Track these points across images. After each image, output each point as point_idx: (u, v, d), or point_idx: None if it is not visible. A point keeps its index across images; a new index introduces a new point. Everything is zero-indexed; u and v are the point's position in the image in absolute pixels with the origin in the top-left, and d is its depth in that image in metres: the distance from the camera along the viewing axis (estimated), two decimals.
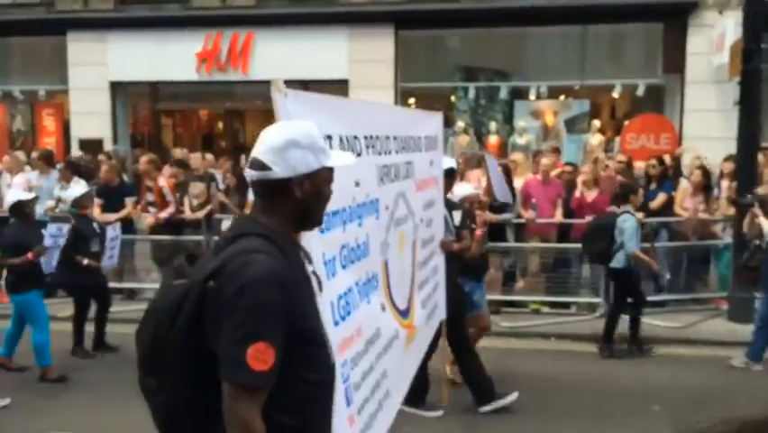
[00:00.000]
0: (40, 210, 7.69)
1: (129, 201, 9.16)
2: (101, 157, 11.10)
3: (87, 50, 14.38)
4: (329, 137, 2.75)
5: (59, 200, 8.99)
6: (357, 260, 3.04)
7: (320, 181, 2.07)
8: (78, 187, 7.60)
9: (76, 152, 13.35)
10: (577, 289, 8.72)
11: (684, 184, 8.89)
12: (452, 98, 14.24)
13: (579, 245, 8.45)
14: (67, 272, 6.83)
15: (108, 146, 13.74)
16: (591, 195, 8.51)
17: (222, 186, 9.64)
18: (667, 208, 8.67)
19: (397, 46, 13.65)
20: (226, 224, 9.10)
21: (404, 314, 3.85)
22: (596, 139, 12.87)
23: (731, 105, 8.58)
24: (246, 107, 17.92)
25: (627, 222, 6.85)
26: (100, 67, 14.36)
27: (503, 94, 13.94)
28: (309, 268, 2.15)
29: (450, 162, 5.58)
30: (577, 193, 8.59)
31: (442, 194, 5.06)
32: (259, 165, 2.01)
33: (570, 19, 13.02)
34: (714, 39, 11.96)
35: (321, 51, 13.37)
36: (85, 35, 14.36)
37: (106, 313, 7.28)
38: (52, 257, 6.49)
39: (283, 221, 2.05)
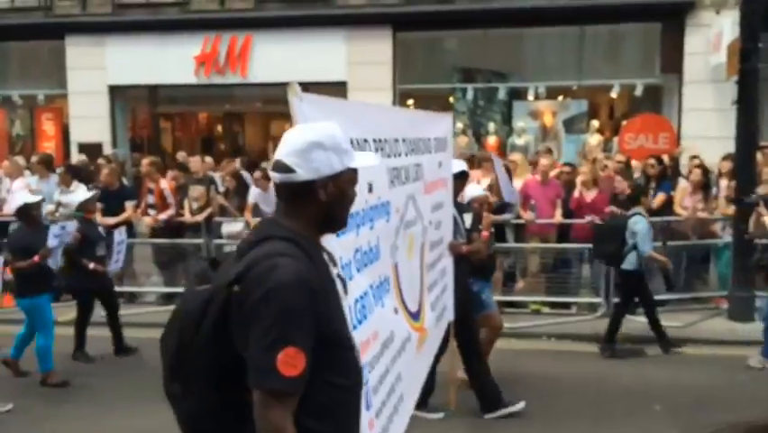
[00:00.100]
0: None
1: (129, 205, 9.16)
2: (100, 161, 11.10)
3: (86, 55, 14.40)
4: None
5: (59, 204, 9.00)
6: (370, 263, 3.03)
7: (344, 183, 2.04)
8: (83, 191, 7.61)
9: (78, 156, 13.32)
10: (577, 289, 8.72)
11: (683, 184, 8.91)
12: (451, 99, 14.25)
13: (579, 245, 8.49)
14: (73, 277, 6.85)
15: (107, 150, 13.75)
16: (590, 195, 8.52)
17: (221, 189, 9.65)
18: (666, 208, 8.69)
19: (395, 48, 13.68)
20: (226, 227, 9.14)
21: (415, 316, 3.85)
22: (594, 139, 12.89)
23: (729, 104, 8.59)
24: (245, 110, 17.94)
25: (639, 224, 6.83)
26: (99, 71, 14.38)
27: (501, 95, 13.97)
28: (334, 271, 2.12)
29: (461, 165, 5.57)
30: (576, 193, 8.60)
31: (451, 196, 5.04)
32: (282, 167, 1.99)
33: (567, 19, 13.05)
34: (711, 38, 11.99)
35: (319, 54, 13.39)
36: (83, 39, 14.38)
37: (117, 316, 7.29)
38: (57, 256, 6.49)
39: (307, 224, 2.03)
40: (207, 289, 1.97)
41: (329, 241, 2.34)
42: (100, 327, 7.28)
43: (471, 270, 5.53)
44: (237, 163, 10.55)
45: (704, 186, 8.63)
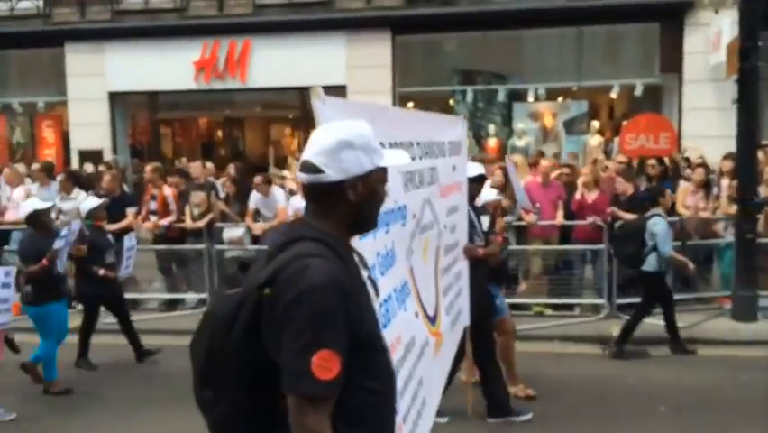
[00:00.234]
0: None
1: (130, 212, 9.14)
2: (101, 168, 11.09)
3: (85, 62, 14.42)
4: None
5: (59, 212, 8.99)
6: (389, 267, 3.02)
7: (374, 182, 1.99)
8: (92, 199, 7.60)
9: (84, 165, 13.24)
10: (580, 290, 8.70)
11: (684, 183, 8.90)
12: (451, 102, 14.27)
13: (581, 247, 8.47)
14: (84, 284, 6.86)
15: (108, 157, 13.75)
16: (592, 196, 8.50)
17: (222, 194, 9.64)
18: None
19: (395, 51, 13.69)
20: (227, 232, 9.13)
21: (432, 321, 3.83)
22: (595, 140, 12.89)
23: (729, 103, 8.59)
24: (245, 115, 17.95)
25: (658, 225, 6.80)
26: (98, 77, 14.40)
27: (501, 96, 13.98)
28: (365, 273, 2.07)
29: (479, 169, 5.56)
30: (577, 195, 8.59)
31: (465, 199, 5.01)
32: (310, 168, 1.93)
33: (566, 20, 13.06)
34: (710, 37, 11.99)
35: (318, 58, 13.41)
36: (82, 46, 14.41)
37: (130, 322, 7.27)
38: (63, 257, 6.48)
39: (337, 225, 1.97)
40: (238, 292, 1.92)
41: (355, 244, 2.31)
42: (103, 335, 7.28)
43: (488, 275, 5.52)
44: (231, 170, 10.44)
45: (705, 185, 8.63)
